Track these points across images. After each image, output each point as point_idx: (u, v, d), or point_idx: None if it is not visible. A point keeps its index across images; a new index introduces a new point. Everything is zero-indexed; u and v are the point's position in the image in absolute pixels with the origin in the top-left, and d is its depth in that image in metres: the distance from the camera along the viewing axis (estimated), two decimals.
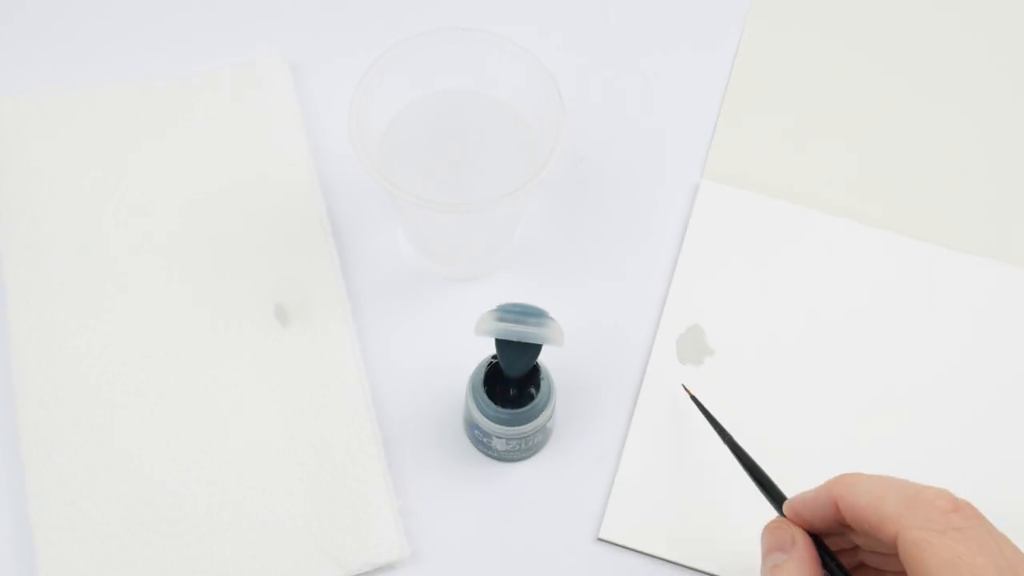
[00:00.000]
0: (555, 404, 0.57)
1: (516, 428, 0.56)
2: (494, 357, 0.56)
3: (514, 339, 0.52)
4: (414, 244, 0.64)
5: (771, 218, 0.66)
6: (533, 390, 0.56)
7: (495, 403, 0.55)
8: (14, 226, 0.63)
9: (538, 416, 0.56)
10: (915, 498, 0.38)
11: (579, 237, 0.66)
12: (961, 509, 0.38)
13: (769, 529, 0.44)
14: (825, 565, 0.43)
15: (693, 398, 0.57)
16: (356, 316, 0.63)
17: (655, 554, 0.57)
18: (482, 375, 0.56)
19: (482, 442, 0.58)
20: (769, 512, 0.49)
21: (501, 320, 0.52)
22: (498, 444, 0.57)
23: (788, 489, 0.49)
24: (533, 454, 0.59)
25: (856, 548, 0.45)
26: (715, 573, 0.56)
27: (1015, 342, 0.63)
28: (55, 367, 0.59)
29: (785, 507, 0.44)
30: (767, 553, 0.43)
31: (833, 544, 0.45)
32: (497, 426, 0.56)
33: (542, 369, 0.56)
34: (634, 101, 0.70)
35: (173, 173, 0.65)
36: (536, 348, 0.53)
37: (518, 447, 0.58)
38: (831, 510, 0.41)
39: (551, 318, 0.53)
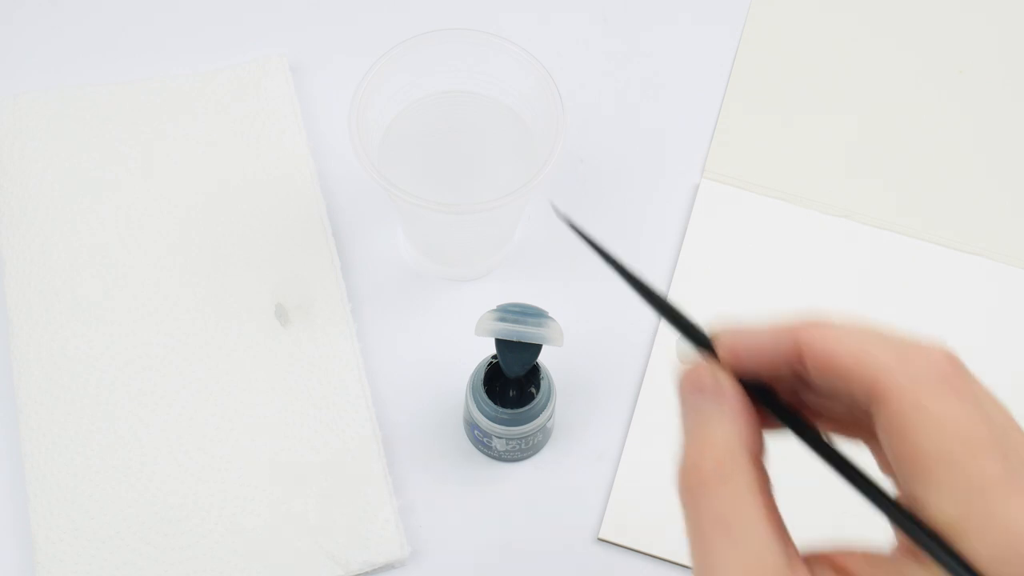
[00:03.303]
0: (555, 404, 0.57)
1: (516, 428, 0.56)
2: (494, 357, 0.56)
3: (514, 339, 0.52)
4: (414, 244, 0.64)
5: (771, 218, 0.66)
6: (533, 390, 0.56)
7: (495, 403, 0.55)
8: (14, 226, 0.63)
9: (538, 416, 0.56)
10: (907, 350, 0.31)
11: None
12: (958, 368, 0.32)
13: (686, 374, 0.33)
14: (787, 428, 0.34)
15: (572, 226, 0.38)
16: (356, 316, 0.63)
17: (655, 554, 0.57)
18: (482, 375, 0.56)
19: (482, 442, 0.58)
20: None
21: (501, 320, 0.52)
22: (498, 444, 0.57)
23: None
24: (533, 454, 0.59)
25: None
26: None
27: (1016, 342, 0.63)
28: (56, 367, 0.59)
29: (721, 346, 0.33)
30: (684, 396, 0.33)
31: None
32: (497, 426, 0.56)
33: (542, 369, 0.56)
34: (634, 101, 0.70)
35: (173, 173, 0.65)
36: (536, 348, 0.53)
37: (518, 447, 0.58)
38: (788, 356, 0.32)
39: (551, 318, 0.53)
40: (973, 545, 0.27)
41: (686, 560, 0.57)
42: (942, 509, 0.28)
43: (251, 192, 0.65)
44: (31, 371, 0.59)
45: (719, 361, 0.33)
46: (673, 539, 0.57)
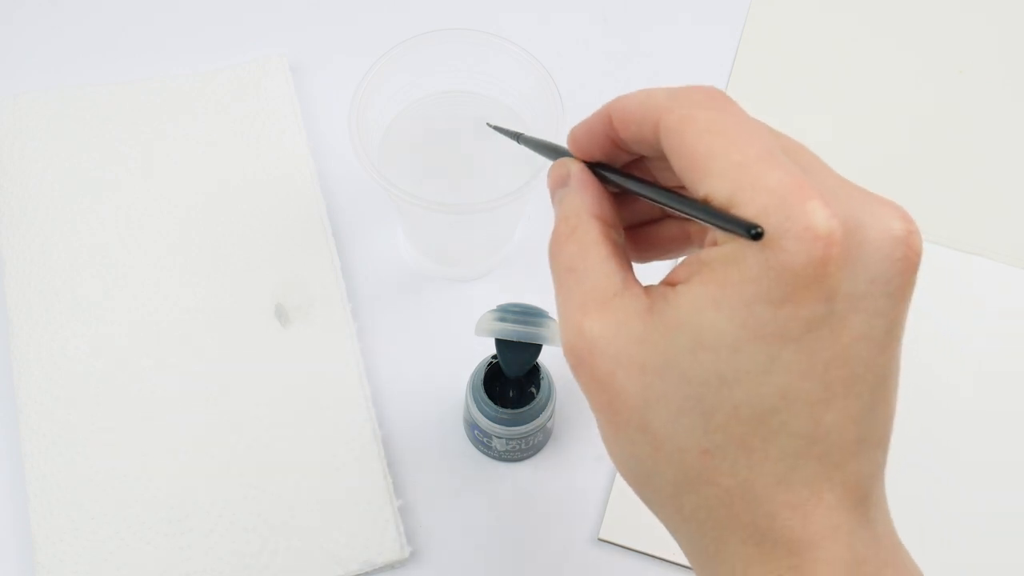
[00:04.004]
0: (555, 404, 0.57)
1: (516, 428, 0.56)
2: (494, 357, 0.56)
3: (514, 339, 0.52)
4: (414, 244, 0.64)
5: None
6: (533, 390, 0.56)
7: (495, 403, 0.55)
8: (14, 226, 0.63)
9: (538, 416, 0.56)
10: (678, 89, 0.37)
11: None
12: (722, 94, 0.36)
13: (549, 173, 0.42)
14: (617, 185, 0.40)
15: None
16: (356, 316, 0.63)
17: (655, 554, 0.57)
18: (482, 375, 0.56)
19: (482, 442, 0.58)
20: None
21: (501, 320, 0.52)
22: (498, 444, 0.57)
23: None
24: (533, 454, 0.59)
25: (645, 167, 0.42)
26: None
27: (1016, 342, 0.63)
28: (56, 367, 0.59)
29: (568, 139, 0.41)
30: (552, 192, 0.41)
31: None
32: (497, 426, 0.56)
33: (542, 369, 0.56)
34: None
35: (173, 173, 0.65)
36: (536, 348, 0.53)
37: (518, 447, 0.58)
38: (606, 128, 0.39)
39: (551, 318, 0.53)
40: (745, 210, 0.32)
41: (686, 560, 0.57)
42: (718, 191, 0.33)
43: (251, 192, 0.65)
44: (31, 371, 0.59)
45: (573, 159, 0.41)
46: (673, 539, 0.57)
